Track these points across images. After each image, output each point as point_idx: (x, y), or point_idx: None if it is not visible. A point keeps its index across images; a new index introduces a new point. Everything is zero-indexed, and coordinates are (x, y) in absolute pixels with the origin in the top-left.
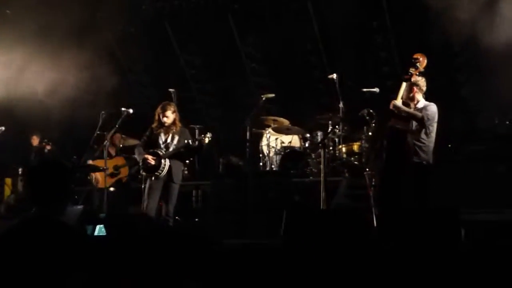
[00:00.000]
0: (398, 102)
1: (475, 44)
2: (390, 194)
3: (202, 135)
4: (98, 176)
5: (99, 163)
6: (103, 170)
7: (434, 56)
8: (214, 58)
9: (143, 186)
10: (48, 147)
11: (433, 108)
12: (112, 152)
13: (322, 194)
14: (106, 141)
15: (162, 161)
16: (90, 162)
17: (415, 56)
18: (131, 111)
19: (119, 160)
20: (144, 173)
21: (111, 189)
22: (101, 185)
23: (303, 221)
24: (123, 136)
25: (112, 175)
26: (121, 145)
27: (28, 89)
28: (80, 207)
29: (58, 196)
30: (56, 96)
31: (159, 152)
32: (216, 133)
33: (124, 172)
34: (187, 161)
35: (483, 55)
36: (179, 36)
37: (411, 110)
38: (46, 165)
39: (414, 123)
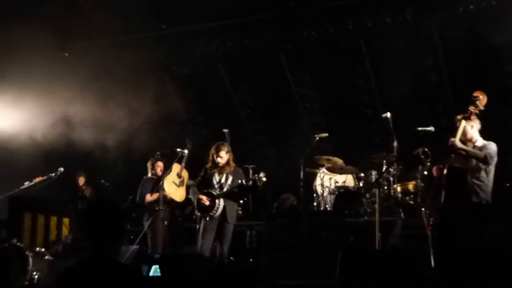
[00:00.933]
0: (457, 141)
1: None
2: (449, 234)
3: (256, 175)
4: (170, 194)
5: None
6: (159, 210)
7: (488, 92)
8: (267, 98)
9: (197, 226)
10: (88, 191)
11: (493, 146)
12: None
13: (378, 235)
14: (161, 182)
15: (217, 201)
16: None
17: (475, 94)
18: (186, 152)
19: (177, 168)
20: (198, 213)
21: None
22: (175, 198)
23: (359, 262)
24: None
25: (180, 183)
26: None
27: (83, 128)
28: (136, 247)
29: (113, 235)
30: (110, 136)
31: (213, 192)
32: (269, 173)
33: (186, 176)
34: (241, 201)
35: None
36: (233, 76)
37: (472, 149)
38: (101, 205)
39: (474, 161)
